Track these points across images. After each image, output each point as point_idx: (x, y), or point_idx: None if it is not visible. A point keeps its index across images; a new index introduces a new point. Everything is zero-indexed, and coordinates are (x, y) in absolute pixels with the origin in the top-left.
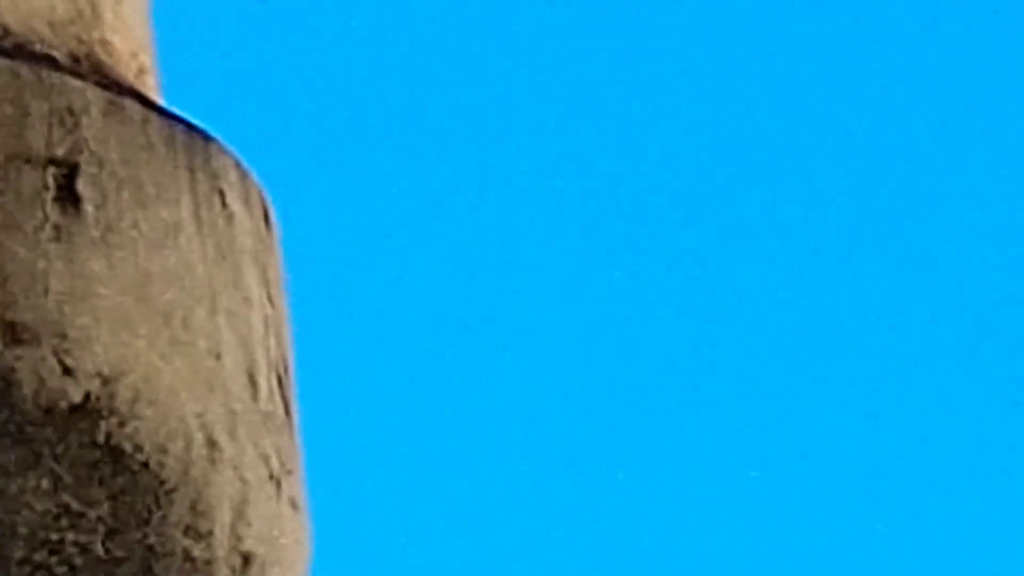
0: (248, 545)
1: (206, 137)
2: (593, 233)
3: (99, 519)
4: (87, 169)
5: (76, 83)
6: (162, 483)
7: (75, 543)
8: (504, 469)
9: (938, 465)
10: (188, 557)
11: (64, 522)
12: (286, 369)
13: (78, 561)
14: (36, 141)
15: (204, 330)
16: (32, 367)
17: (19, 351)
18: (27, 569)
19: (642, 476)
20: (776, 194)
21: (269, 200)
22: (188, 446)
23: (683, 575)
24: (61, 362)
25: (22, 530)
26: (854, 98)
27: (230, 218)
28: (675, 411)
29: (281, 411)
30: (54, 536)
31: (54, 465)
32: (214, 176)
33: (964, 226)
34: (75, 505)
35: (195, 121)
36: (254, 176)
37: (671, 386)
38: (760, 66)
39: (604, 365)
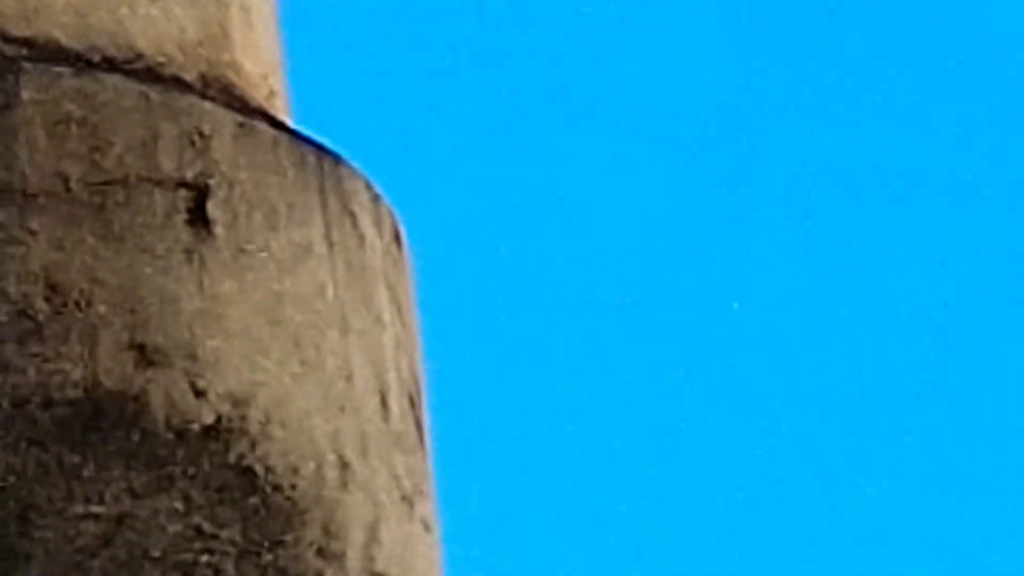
0: (380, 566)
1: (336, 159)
2: (592, 233)
3: (231, 541)
4: (217, 191)
5: (206, 105)
6: (294, 504)
7: (208, 565)
8: (643, 475)
9: (937, 465)
10: None
11: (197, 544)
12: (418, 389)
13: None
14: (167, 164)
15: (335, 351)
16: (163, 389)
17: (150, 373)
18: None
19: (642, 476)
20: (776, 194)
21: (400, 222)
22: (320, 467)
23: (682, 575)
24: (192, 384)
25: (155, 553)
26: (854, 98)
27: (361, 240)
28: (676, 412)
29: (413, 431)
30: (187, 558)
31: (186, 487)
32: (345, 198)
33: (964, 226)
34: (207, 527)
35: (326, 143)
36: (385, 198)
37: (670, 386)
38: (760, 66)
39: (603, 365)
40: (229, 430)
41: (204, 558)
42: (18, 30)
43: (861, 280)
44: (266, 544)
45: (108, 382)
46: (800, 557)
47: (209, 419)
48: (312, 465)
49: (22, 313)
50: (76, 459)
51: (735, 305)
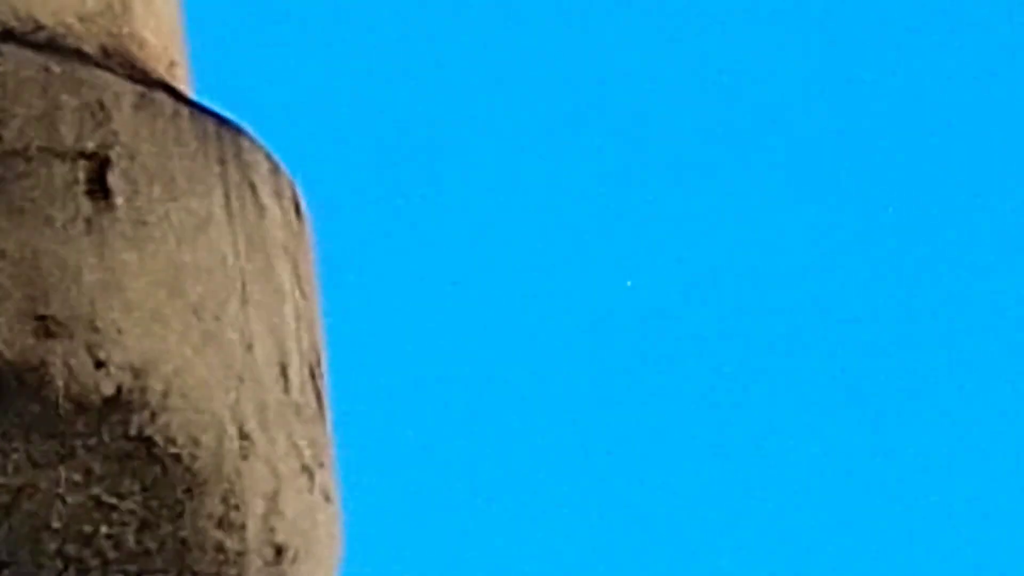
0: (281, 537)
1: (237, 130)
2: (590, 233)
3: (131, 512)
4: (118, 162)
5: (107, 77)
6: (194, 475)
7: (108, 536)
8: (540, 457)
9: (936, 465)
10: (220, 549)
11: (97, 515)
12: (318, 361)
13: (111, 554)
14: (67, 135)
15: (235, 322)
16: (64, 360)
17: (51, 344)
18: (60, 562)
19: (638, 476)
20: (776, 194)
21: (300, 193)
22: (220, 438)
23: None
24: (93, 355)
25: (55, 523)
26: (853, 98)
27: (261, 211)
28: (670, 411)
29: (313, 403)
30: (87, 529)
31: (86, 458)
32: (245, 169)
33: (963, 226)
34: (107, 498)
35: (226, 114)
36: (285, 169)
37: (666, 387)
38: (760, 66)
39: (601, 364)
40: (129, 401)
41: (104, 529)
42: None
43: (859, 280)
44: (166, 515)
45: (8, 353)
46: (799, 557)
47: (109, 390)
48: (212, 436)
49: None
50: None
51: (628, 283)
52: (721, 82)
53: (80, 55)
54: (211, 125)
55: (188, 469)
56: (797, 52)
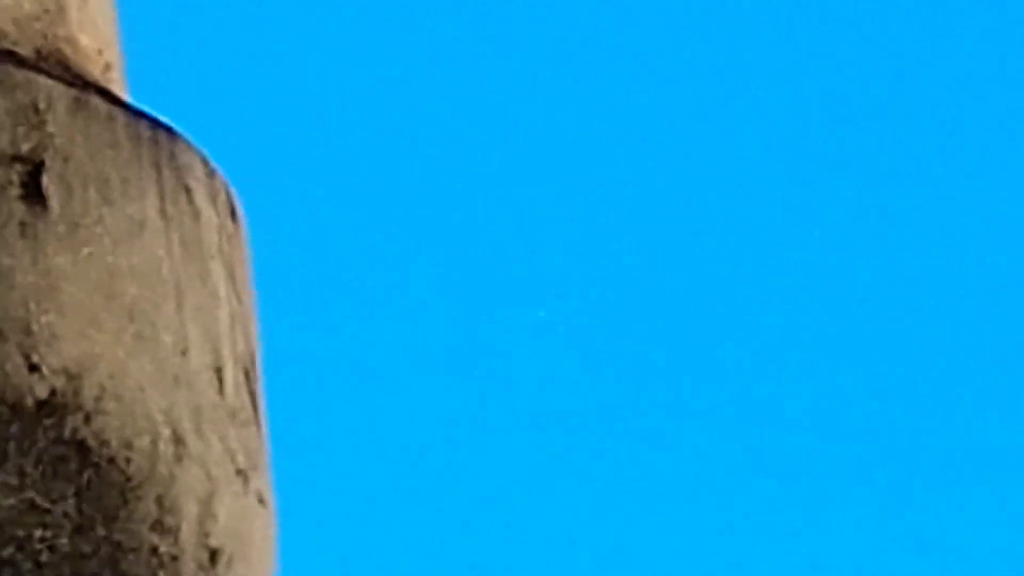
0: (215, 540)
1: (172, 134)
2: (588, 232)
3: (65, 515)
4: (52, 166)
5: (41, 80)
6: (128, 479)
7: (41, 539)
8: (470, 460)
9: (935, 465)
10: (155, 552)
11: (30, 518)
12: (253, 365)
13: (44, 557)
14: (1, 138)
15: (170, 326)
16: None
17: None
18: None
19: (633, 476)
20: (775, 194)
21: (236, 197)
22: (154, 442)
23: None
24: (27, 358)
25: None
26: (852, 98)
27: (196, 215)
28: (665, 412)
29: (248, 407)
30: (20, 532)
31: (20, 461)
32: (180, 173)
33: (963, 226)
34: (41, 501)
35: (161, 118)
36: (220, 173)
37: (658, 387)
38: (759, 66)
39: (599, 364)
40: (63, 404)
41: (39, 532)
42: None
43: (858, 280)
44: (100, 518)
45: None
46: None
47: (43, 393)
48: (147, 439)
49: None
50: None
51: (541, 314)
52: (719, 82)
53: (14, 58)
54: (146, 128)
55: (122, 473)
56: (795, 53)
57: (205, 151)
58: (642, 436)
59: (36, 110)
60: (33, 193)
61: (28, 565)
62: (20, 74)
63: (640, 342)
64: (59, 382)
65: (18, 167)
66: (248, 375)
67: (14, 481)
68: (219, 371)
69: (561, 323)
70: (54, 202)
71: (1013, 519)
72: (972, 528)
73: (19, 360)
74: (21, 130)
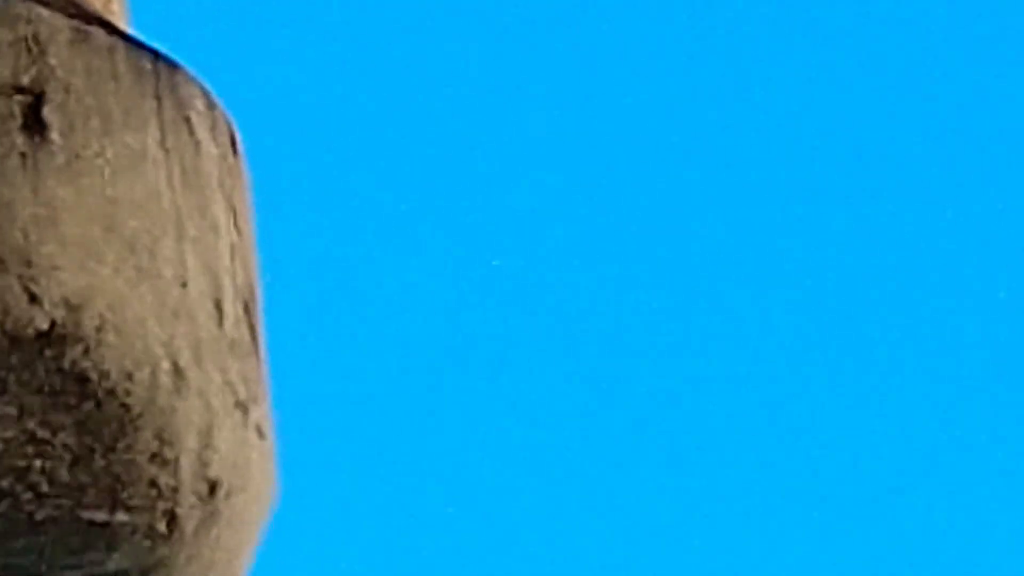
0: (214, 472)
1: (173, 66)
2: (587, 231)
3: (65, 446)
4: (53, 97)
5: (42, 11)
6: (128, 410)
7: (41, 470)
8: (459, 409)
9: (933, 464)
10: (154, 484)
11: (30, 449)
12: (253, 297)
13: (44, 488)
14: (2, 70)
15: (170, 258)
16: None
17: None
18: None
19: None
20: (775, 194)
21: (236, 129)
22: (154, 373)
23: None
24: (27, 289)
25: None
26: (852, 98)
27: (197, 146)
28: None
29: (248, 338)
30: (20, 463)
31: (20, 392)
32: (181, 105)
33: (962, 226)
34: (41, 432)
35: (162, 50)
36: (221, 105)
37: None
38: (759, 66)
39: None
40: (63, 336)
41: (38, 463)
42: None
43: (858, 280)
44: (99, 450)
45: None
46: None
47: (43, 325)
48: (146, 371)
49: None
50: None
51: (495, 262)
52: (717, 83)
53: None
54: (147, 60)
55: (122, 404)
56: (794, 54)
57: (206, 83)
58: (641, 436)
59: (37, 41)
60: (34, 124)
61: (27, 496)
62: (21, 6)
63: (638, 342)
64: (59, 313)
65: (19, 98)
66: (248, 307)
67: (13, 412)
68: (219, 303)
69: (559, 322)
70: (55, 133)
71: (1013, 519)
72: (971, 528)
73: (19, 291)
74: (22, 62)
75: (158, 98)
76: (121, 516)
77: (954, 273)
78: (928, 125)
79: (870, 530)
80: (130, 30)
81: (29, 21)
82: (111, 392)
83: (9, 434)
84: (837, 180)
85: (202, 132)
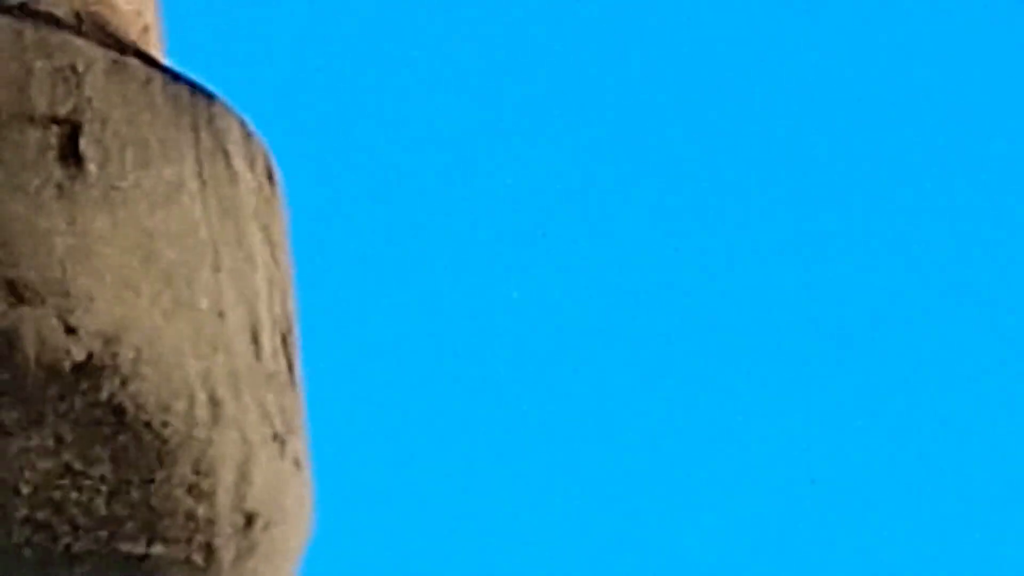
0: (251, 504)
1: (210, 96)
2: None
3: (102, 478)
4: (90, 128)
5: (79, 42)
6: (165, 442)
7: (77, 502)
8: (497, 444)
9: (933, 464)
10: (191, 516)
11: (67, 481)
12: (289, 328)
13: (81, 520)
14: (39, 100)
15: (207, 289)
16: (35, 326)
17: (22, 310)
18: (29, 528)
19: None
20: (774, 193)
21: (273, 160)
22: (191, 405)
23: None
24: (64, 321)
25: (25, 489)
26: (852, 98)
27: (233, 177)
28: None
29: (284, 370)
30: (56, 495)
31: (57, 424)
32: (218, 135)
33: (962, 226)
34: (78, 464)
35: (199, 81)
36: (258, 136)
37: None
38: (759, 66)
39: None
40: (100, 368)
41: (74, 495)
42: None
43: (857, 279)
44: (136, 482)
45: None
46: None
47: (80, 356)
48: (183, 403)
49: None
50: None
51: (515, 295)
52: (718, 82)
53: (53, 20)
54: (184, 91)
55: (158, 436)
56: (791, 54)
57: (243, 114)
58: (639, 434)
59: (74, 72)
60: (70, 155)
61: (64, 528)
62: (58, 36)
63: (638, 341)
64: (96, 345)
65: (56, 129)
66: (285, 338)
67: (50, 444)
68: (256, 335)
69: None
70: (91, 164)
71: (1013, 519)
72: (972, 528)
73: (56, 323)
74: (59, 92)
75: (195, 129)
76: (158, 548)
77: (954, 273)
78: (927, 125)
79: (870, 530)
80: (166, 61)
81: (66, 52)
82: (148, 424)
83: (46, 466)
84: (836, 180)
85: (239, 163)
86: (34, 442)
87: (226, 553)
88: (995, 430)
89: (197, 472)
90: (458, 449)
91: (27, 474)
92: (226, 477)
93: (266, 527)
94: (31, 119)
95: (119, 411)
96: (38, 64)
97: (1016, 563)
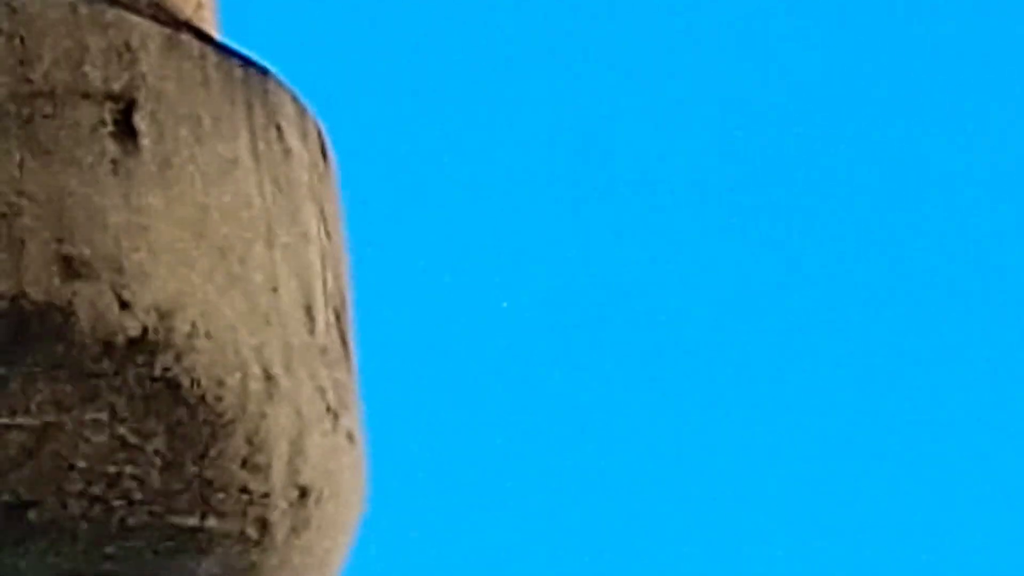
0: (305, 478)
1: (263, 72)
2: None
3: (156, 452)
4: (144, 104)
5: (134, 18)
6: (219, 416)
7: (132, 476)
8: (546, 411)
9: (932, 464)
10: (245, 490)
11: (121, 455)
12: (343, 303)
13: (136, 494)
14: (94, 76)
15: (261, 264)
16: (89, 301)
17: (76, 285)
18: (84, 502)
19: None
20: (775, 194)
21: (326, 135)
22: (245, 380)
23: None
24: (118, 296)
25: (80, 463)
26: (851, 98)
27: (287, 153)
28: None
29: (338, 345)
30: (111, 469)
31: (111, 399)
32: (271, 111)
33: (962, 226)
34: (132, 438)
35: (253, 56)
36: (311, 111)
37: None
38: (759, 66)
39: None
40: (155, 342)
41: (129, 469)
42: None
43: (856, 279)
44: (191, 456)
45: (34, 294)
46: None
47: (135, 331)
48: (237, 377)
49: None
50: (2, 371)
51: (504, 304)
52: (718, 81)
53: None
54: (238, 67)
55: (213, 410)
56: (789, 54)
57: (296, 90)
58: (639, 434)
59: (129, 48)
60: (125, 131)
61: (119, 502)
62: (113, 13)
63: (637, 341)
64: (150, 320)
65: (111, 105)
66: (338, 313)
67: (105, 418)
68: (309, 310)
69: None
70: (146, 140)
71: (1013, 519)
72: (971, 529)
73: (111, 298)
74: (114, 69)
75: (249, 105)
76: (212, 522)
77: (954, 273)
78: (928, 124)
79: (869, 530)
80: (220, 37)
81: (121, 28)
82: (202, 398)
83: (100, 440)
84: (836, 180)
85: (292, 138)
86: (89, 417)
87: (280, 527)
88: (994, 430)
89: (251, 446)
90: (525, 429)
91: (82, 448)
92: (280, 451)
93: (320, 501)
94: (86, 95)
95: (174, 385)
96: (93, 40)
97: (1016, 563)
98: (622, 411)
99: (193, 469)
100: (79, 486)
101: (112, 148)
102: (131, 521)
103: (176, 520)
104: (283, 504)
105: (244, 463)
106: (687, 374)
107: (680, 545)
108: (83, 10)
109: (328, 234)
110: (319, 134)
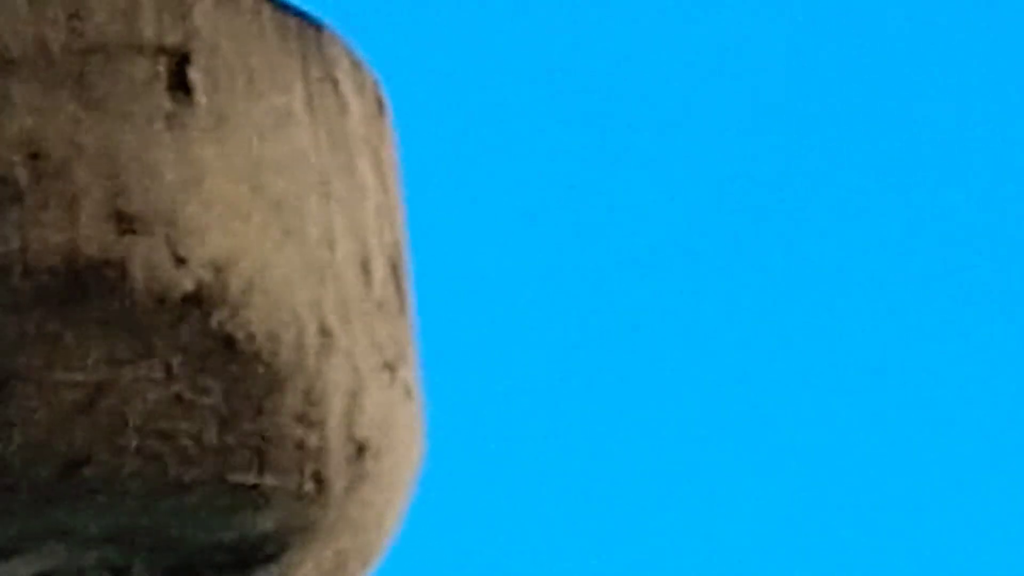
0: (362, 433)
1: (318, 26)
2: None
3: (211, 408)
4: (199, 58)
5: None
6: (275, 372)
7: (188, 433)
8: (602, 386)
9: (933, 464)
10: (301, 446)
11: (177, 411)
12: (400, 257)
13: (191, 450)
14: (147, 30)
15: (317, 218)
16: (144, 256)
17: (131, 240)
18: (140, 459)
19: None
20: (776, 194)
21: (382, 88)
22: (301, 335)
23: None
24: (173, 251)
25: (135, 420)
26: (851, 98)
27: (343, 106)
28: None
29: (395, 299)
30: (166, 425)
31: (166, 354)
32: (326, 64)
33: (962, 225)
34: (188, 394)
35: (307, 10)
36: (367, 65)
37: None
38: (759, 65)
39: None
40: (210, 297)
41: (184, 426)
42: None
43: (856, 279)
44: (246, 411)
45: (88, 249)
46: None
47: (189, 286)
48: (293, 333)
49: (2, 180)
50: (56, 326)
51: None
52: (718, 81)
53: None
54: (292, 21)
55: (268, 366)
56: (787, 54)
57: (351, 42)
58: (638, 433)
59: (182, 2)
60: (179, 85)
61: (175, 459)
62: None
63: (637, 340)
64: (206, 275)
65: (164, 59)
66: (395, 267)
67: (160, 375)
68: (365, 264)
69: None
70: (200, 94)
71: (1013, 519)
72: (971, 529)
73: (165, 253)
74: (168, 23)
75: (304, 58)
76: (269, 478)
77: (954, 272)
78: (928, 124)
79: (869, 530)
80: None
81: None
82: (257, 354)
83: (156, 396)
84: (837, 180)
85: (348, 92)
86: (143, 372)
87: (337, 482)
88: (994, 430)
89: (307, 401)
90: (570, 377)
91: (137, 405)
92: (336, 406)
93: (377, 456)
94: (139, 49)
95: (229, 341)
96: None
97: (1016, 563)
98: (622, 411)
99: (249, 425)
100: (134, 442)
101: (166, 102)
102: (186, 478)
103: (232, 477)
104: (340, 459)
105: (300, 418)
106: (687, 374)
107: (680, 545)
108: None
109: (384, 188)
110: (375, 87)
